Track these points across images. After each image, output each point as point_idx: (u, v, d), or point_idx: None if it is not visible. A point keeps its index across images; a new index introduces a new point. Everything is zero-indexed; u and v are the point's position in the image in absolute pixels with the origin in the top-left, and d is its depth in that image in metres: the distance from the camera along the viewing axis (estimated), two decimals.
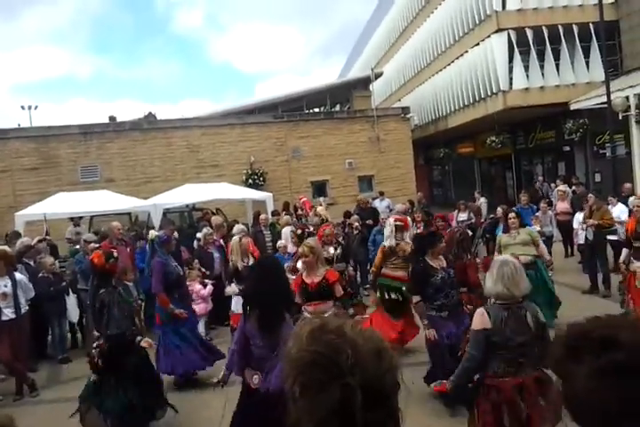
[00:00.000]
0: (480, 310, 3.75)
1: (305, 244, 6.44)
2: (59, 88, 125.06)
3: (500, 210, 11.33)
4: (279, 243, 10.45)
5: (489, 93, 20.92)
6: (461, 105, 23.64)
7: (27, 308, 7.18)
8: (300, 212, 13.91)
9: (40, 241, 9.19)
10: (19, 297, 6.97)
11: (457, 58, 23.57)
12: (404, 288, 6.88)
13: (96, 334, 5.34)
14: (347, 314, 6.02)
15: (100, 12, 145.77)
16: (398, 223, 7.89)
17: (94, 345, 5.25)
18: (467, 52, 22.48)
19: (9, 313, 6.85)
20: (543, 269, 8.36)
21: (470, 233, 9.69)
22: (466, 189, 25.21)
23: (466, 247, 7.06)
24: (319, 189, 21.53)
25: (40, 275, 8.17)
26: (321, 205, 13.48)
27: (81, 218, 13.28)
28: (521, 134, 23.76)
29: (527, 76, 19.94)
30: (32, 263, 8.70)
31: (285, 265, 7.71)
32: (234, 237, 8.14)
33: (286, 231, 11.32)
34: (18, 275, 7.27)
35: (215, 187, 15.21)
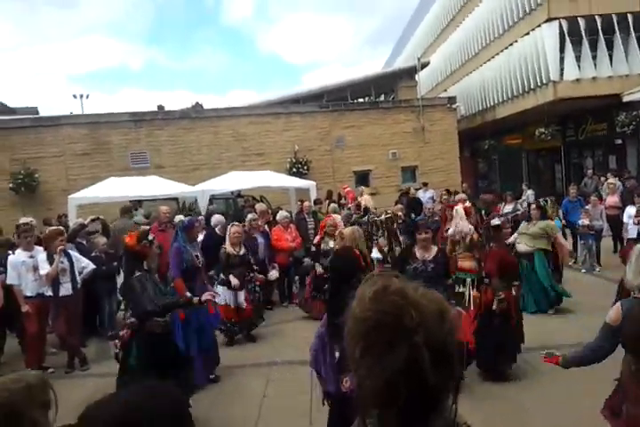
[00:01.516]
0: (617, 304, 3.42)
1: (339, 232, 6.81)
2: (110, 78, 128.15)
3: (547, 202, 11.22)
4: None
5: (539, 84, 20.49)
6: (510, 96, 23.22)
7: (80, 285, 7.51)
8: (343, 201, 14.02)
9: (93, 220, 9.50)
10: (75, 273, 7.29)
11: (506, 47, 23.14)
12: (468, 280, 6.76)
13: (130, 320, 5.13)
14: None
15: (153, 2, 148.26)
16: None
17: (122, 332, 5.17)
18: (516, 41, 22.05)
19: (67, 289, 7.18)
20: (540, 261, 8.66)
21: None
22: (513, 182, 24.81)
23: (489, 237, 7.12)
24: (362, 178, 21.54)
25: (93, 254, 8.49)
26: (362, 194, 13.55)
27: (140, 202, 13.62)
28: (571, 126, 23.19)
29: (579, 66, 19.45)
30: (85, 243, 9.08)
31: None
32: (229, 226, 8.24)
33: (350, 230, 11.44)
34: (71, 251, 7.59)
35: (260, 174, 15.40)
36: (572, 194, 12.86)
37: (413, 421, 1.12)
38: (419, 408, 1.11)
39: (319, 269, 8.66)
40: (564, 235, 11.27)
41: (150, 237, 5.25)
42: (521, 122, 24.18)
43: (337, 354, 3.83)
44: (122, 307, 9.25)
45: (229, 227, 8.18)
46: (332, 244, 8.27)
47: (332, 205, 12.67)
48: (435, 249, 6.12)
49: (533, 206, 9.57)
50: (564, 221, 11.51)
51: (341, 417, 3.78)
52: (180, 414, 1.26)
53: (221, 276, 7.94)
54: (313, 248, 9.34)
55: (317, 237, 9.31)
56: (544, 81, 20.05)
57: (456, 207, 8.14)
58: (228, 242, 7.98)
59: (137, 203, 13.75)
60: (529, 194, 17.35)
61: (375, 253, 7.51)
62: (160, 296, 4.98)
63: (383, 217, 8.13)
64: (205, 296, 5.10)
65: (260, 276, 8.39)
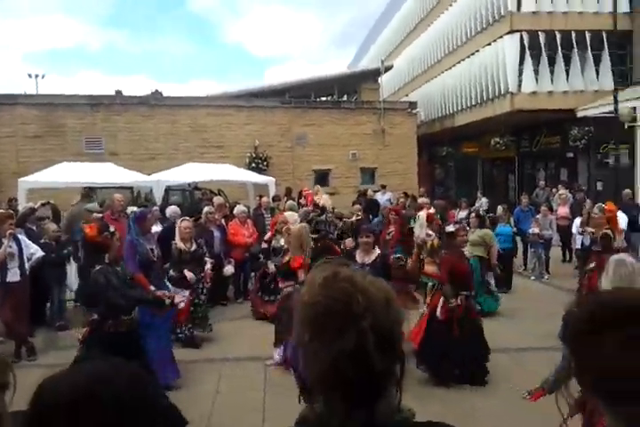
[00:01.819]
0: None
1: (286, 228, 7.19)
2: (68, 59, 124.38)
3: (500, 209, 11.55)
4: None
5: (497, 94, 20.98)
6: (469, 104, 23.68)
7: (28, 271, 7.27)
8: (302, 201, 14.03)
9: (43, 204, 9.18)
10: (24, 259, 7.04)
11: (468, 56, 23.59)
12: (429, 284, 6.89)
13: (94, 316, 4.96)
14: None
15: None
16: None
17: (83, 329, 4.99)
18: (478, 51, 22.51)
19: (15, 274, 6.93)
20: (477, 268, 8.78)
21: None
22: (468, 189, 25.35)
23: (444, 243, 7.14)
24: (321, 177, 21.54)
25: (42, 240, 8.21)
26: (318, 193, 13.60)
27: (93, 189, 13.20)
28: (526, 137, 23.84)
29: (536, 79, 19.99)
30: (34, 228, 8.78)
31: None
32: (178, 220, 8.01)
33: (289, 216, 11.45)
34: (21, 236, 7.34)
35: (218, 167, 15.23)
36: (524, 203, 13.26)
37: (359, 405, 1.13)
38: (364, 392, 1.13)
39: (271, 266, 8.52)
40: (515, 242, 11.60)
41: (112, 229, 5.07)
42: (478, 130, 24.71)
43: None
44: (71, 297, 9.04)
45: (179, 222, 7.84)
46: (282, 241, 8.22)
47: (290, 202, 12.64)
48: (376, 253, 6.24)
49: (473, 215, 10.06)
50: (515, 229, 11.83)
51: None
52: (146, 392, 1.17)
53: (171, 273, 7.48)
54: (264, 245, 9.23)
55: (269, 234, 9.22)
56: (502, 92, 20.54)
57: (419, 213, 8.27)
58: (178, 237, 7.64)
59: (91, 190, 13.36)
60: (483, 201, 17.76)
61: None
62: (127, 289, 4.83)
63: (354, 219, 8.18)
64: (179, 299, 4.95)
65: (210, 271, 7.98)
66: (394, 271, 6.29)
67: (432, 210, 9.12)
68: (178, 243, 7.64)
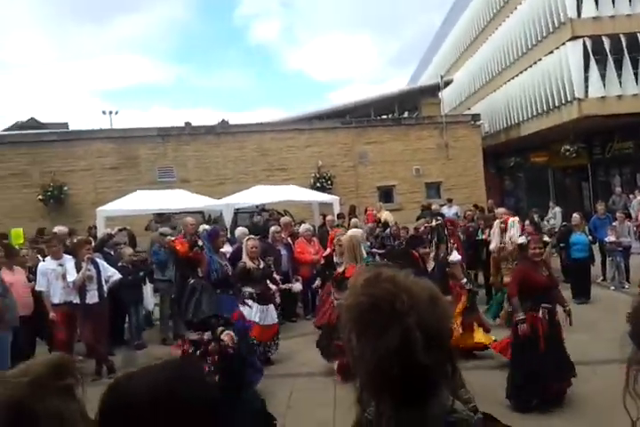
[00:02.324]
0: None
1: (338, 238, 7.35)
2: (139, 95, 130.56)
3: (576, 217, 11.11)
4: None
5: (563, 102, 20.43)
6: (534, 113, 23.15)
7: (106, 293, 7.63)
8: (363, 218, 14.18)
9: (120, 230, 9.67)
10: (102, 281, 7.41)
11: (530, 66, 23.15)
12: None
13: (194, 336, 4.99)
14: None
15: (183, 21, 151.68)
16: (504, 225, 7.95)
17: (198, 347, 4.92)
18: (540, 59, 22.06)
19: (94, 296, 7.30)
20: None
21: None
22: (540, 199, 24.61)
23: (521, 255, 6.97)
24: (386, 194, 21.56)
25: (119, 264, 8.64)
26: (381, 209, 13.62)
27: (161, 215, 13.76)
28: (597, 144, 23.01)
29: (604, 84, 19.39)
30: (112, 253, 9.24)
31: None
32: (244, 239, 8.13)
33: (354, 232, 11.54)
34: (99, 260, 7.74)
35: (284, 189, 15.53)
36: (601, 211, 12.74)
37: (409, 406, 1.12)
38: (414, 393, 1.12)
39: (317, 282, 8.65)
40: (592, 251, 11.17)
41: (200, 243, 5.25)
42: (546, 139, 24.07)
43: None
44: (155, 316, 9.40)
45: (245, 241, 7.94)
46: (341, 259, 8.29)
47: (354, 219, 12.75)
48: (432, 264, 6.31)
49: (527, 222, 9.64)
50: (590, 238, 11.38)
51: None
52: (213, 398, 1.16)
53: (247, 289, 7.52)
54: (323, 261, 9.28)
55: (328, 250, 9.28)
56: (569, 98, 19.99)
57: (512, 219, 8.16)
58: (246, 256, 7.74)
59: (159, 216, 13.85)
60: (556, 211, 17.20)
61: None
62: (215, 305, 4.92)
63: (434, 223, 8.14)
64: (223, 336, 4.81)
65: (282, 286, 8.31)
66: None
67: (516, 218, 8.96)
68: (247, 262, 7.82)
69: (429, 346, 1.10)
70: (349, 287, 1.24)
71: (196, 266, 5.30)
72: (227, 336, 4.83)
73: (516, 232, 7.86)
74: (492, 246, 7.66)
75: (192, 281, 5.12)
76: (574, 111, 19.70)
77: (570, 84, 19.73)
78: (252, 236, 8.52)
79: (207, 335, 4.83)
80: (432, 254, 6.90)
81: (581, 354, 6.49)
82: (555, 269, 9.05)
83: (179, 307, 5.46)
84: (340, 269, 6.84)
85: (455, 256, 7.36)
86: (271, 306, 7.62)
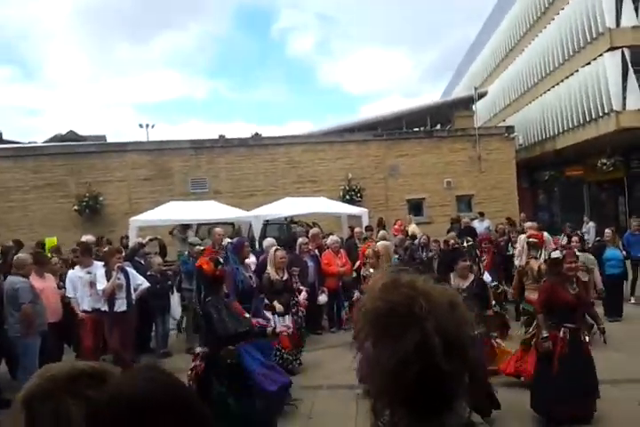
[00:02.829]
0: None
1: (371, 247, 6.82)
2: (175, 109, 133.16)
3: (608, 232, 10.88)
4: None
5: (600, 114, 20.04)
6: (570, 126, 22.76)
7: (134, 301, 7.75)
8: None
9: (151, 240, 9.83)
10: (131, 290, 7.54)
11: (566, 77, 22.81)
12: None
13: (198, 349, 5.34)
14: None
15: (220, 36, 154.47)
16: (532, 240, 7.64)
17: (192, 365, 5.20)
18: (577, 71, 21.72)
19: (122, 304, 7.43)
20: None
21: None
22: (574, 214, 24.09)
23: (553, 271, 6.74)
24: (415, 207, 21.44)
25: (148, 273, 8.75)
26: (411, 222, 13.55)
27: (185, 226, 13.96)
28: (636, 157, 22.45)
29: None
30: (142, 262, 9.38)
31: None
32: (270, 250, 8.19)
33: (381, 245, 11.51)
34: (129, 269, 7.87)
35: (313, 201, 15.59)
36: (635, 227, 12.40)
37: (425, 418, 1.09)
38: (430, 402, 1.08)
39: (356, 294, 8.52)
40: (625, 267, 10.88)
41: (221, 260, 5.48)
42: (582, 153, 23.63)
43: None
44: (174, 326, 9.52)
45: (272, 252, 7.97)
46: (371, 270, 8.21)
47: (382, 232, 12.71)
48: (471, 278, 6.06)
49: (576, 238, 9.44)
50: (624, 252, 11.09)
51: None
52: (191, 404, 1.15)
53: (265, 301, 7.71)
54: (354, 274, 9.23)
55: (358, 263, 9.21)
56: (606, 111, 19.60)
57: (520, 237, 8.02)
58: (271, 267, 7.79)
59: (182, 227, 13.89)
60: (590, 226, 16.85)
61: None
62: (235, 321, 5.09)
63: (465, 244, 8.10)
64: (280, 328, 5.13)
65: (303, 300, 8.20)
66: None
67: (545, 233, 8.80)
68: (271, 273, 7.84)
69: (448, 352, 1.07)
70: (367, 292, 1.22)
71: (221, 284, 5.38)
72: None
73: (519, 250, 7.72)
74: (516, 262, 7.52)
75: (209, 299, 5.22)
76: (612, 124, 19.30)
77: (607, 95, 19.37)
78: (279, 246, 8.57)
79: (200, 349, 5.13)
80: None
81: (609, 371, 6.30)
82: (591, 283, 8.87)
83: (206, 325, 5.47)
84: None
85: (487, 277, 7.25)
86: (287, 317, 7.60)
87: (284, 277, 7.90)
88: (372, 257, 6.35)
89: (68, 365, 1.41)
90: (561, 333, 5.54)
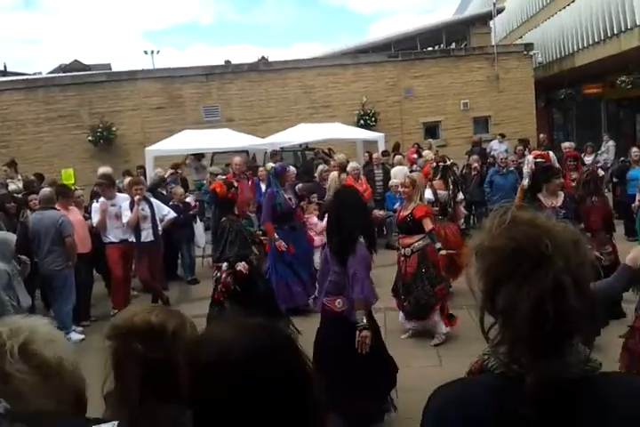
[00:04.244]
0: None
1: (408, 175, 6.62)
2: (180, 34, 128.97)
3: (637, 151, 10.59)
4: (391, 182, 10.62)
5: (623, 29, 19.17)
6: (590, 42, 21.84)
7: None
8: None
9: (172, 174, 9.88)
10: (156, 221, 7.65)
11: None
12: None
13: (218, 264, 5.65)
14: (434, 248, 6.02)
15: None
16: (539, 160, 7.61)
17: (219, 275, 5.55)
18: None
19: (149, 235, 7.57)
20: None
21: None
22: (591, 133, 23.66)
23: (592, 189, 6.49)
24: (431, 130, 21.11)
25: (171, 203, 8.85)
26: (430, 148, 13.37)
27: (203, 155, 13.96)
28: None
29: None
30: (164, 193, 9.48)
31: (397, 205, 7.80)
32: (332, 173, 8.34)
33: (397, 170, 11.48)
34: (153, 200, 7.95)
35: (328, 127, 15.41)
36: None
37: (548, 354, 1.08)
38: (554, 340, 1.08)
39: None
40: None
41: (235, 185, 6.12)
42: (601, 70, 22.81)
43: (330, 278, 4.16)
44: (199, 253, 9.74)
45: (335, 173, 8.87)
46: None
47: (397, 157, 12.63)
48: (562, 195, 5.69)
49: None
50: None
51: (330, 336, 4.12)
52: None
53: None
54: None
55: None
56: (629, 25, 18.73)
57: (527, 158, 7.86)
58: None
59: (195, 156, 13.82)
60: (609, 145, 16.57)
61: (428, 194, 7.14)
62: (242, 242, 5.53)
63: (449, 162, 8.03)
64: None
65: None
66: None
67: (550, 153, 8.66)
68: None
69: (577, 290, 1.07)
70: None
71: (232, 205, 5.93)
72: (240, 266, 5.45)
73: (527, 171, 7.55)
74: (524, 182, 7.36)
75: (224, 219, 5.69)
76: (635, 39, 18.50)
77: (631, 8, 18.42)
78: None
79: (224, 266, 5.52)
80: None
81: None
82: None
83: (214, 245, 6.08)
84: (404, 212, 6.09)
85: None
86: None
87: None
88: (409, 185, 6.05)
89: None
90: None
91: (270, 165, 9.61)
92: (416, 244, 5.93)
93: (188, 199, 9.44)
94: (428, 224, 5.90)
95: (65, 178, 15.02)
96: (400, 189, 7.01)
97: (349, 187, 5.57)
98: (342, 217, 4.13)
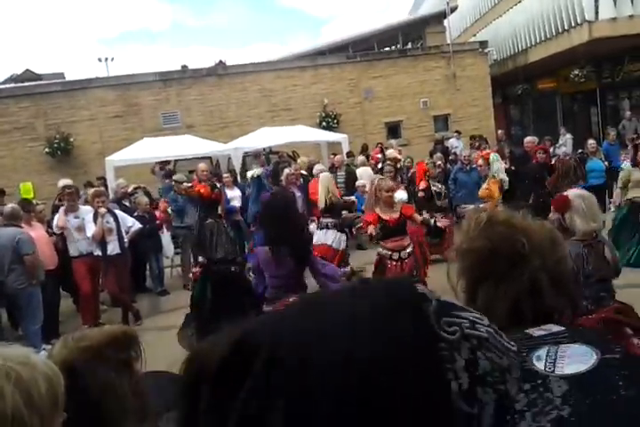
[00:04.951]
0: None
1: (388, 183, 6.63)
2: (134, 39, 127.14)
3: (592, 143, 10.88)
4: (358, 182, 10.66)
5: (572, 24, 19.67)
6: (542, 38, 22.37)
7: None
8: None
9: (136, 188, 9.73)
10: (122, 233, 7.48)
11: None
12: None
13: (201, 259, 5.73)
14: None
15: None
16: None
17: (194, 269, 5.71)
18: None
19: (115, 247, 7.39)
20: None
21: None
22: (547, 127, 24.22)
23: (580, 176, 6.61)
24: (393, 130, 21.27)
25: (135, 214, 8.67)
26: (392, 147, 13.49)
27: (167, 163, 13.75)
28: (607, 67, 22.34)
29: (614, 3, 18.57)
30: (128, 204, 9.30)
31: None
32: (323, 174, 8.44)
33: (363, 171, 11.55)
34: (117, 211, 7.78)
35: (291, 130, 15.36)
36: (612, 137, 12.57)
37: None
38: None
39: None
40: (610, 179, 11.06)
41: (218, 185, 6.30)
42: (554, 65, 23.38)
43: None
44: (167, 264, 9.60)
45: (328, 174, 8.69)
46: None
47: (361, 157, 12.72)
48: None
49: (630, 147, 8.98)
50: (606, 163, 11.25)
51: None
52: None
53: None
54: (421, 193, 9.18)
55: (423, 183, 9.17)
56: (579, 21, 19.23)
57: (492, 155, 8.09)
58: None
59: (161, 164, 13.66)
60: (567, 138, 16.99)
61: (400, 194, 7.11)
62: (229, 244, 5.62)
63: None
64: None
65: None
66: None
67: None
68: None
69: (555, 287, 1.09)
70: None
71: (217, 206, 6.23)
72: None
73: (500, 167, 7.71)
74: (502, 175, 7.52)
75: (209, 221, 5.86)
76: (584, 34, 18.99)
77: (580, 5, 18.95)
78: None
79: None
80: None
81: None
82: None
83: (200, 245, 6.08)
84: (389, 215, 6.02)
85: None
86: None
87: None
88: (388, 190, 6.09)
89: (109, 331, 1.43)
90: None
91: (256, 170, 9.59)
92: (409, 247, 6.02)
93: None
94: (416, 217, 6.22)
95: (24, 192, 14.60)
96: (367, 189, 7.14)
97: (281, 194, 5.36)
98: (266, 226, 4.28)
